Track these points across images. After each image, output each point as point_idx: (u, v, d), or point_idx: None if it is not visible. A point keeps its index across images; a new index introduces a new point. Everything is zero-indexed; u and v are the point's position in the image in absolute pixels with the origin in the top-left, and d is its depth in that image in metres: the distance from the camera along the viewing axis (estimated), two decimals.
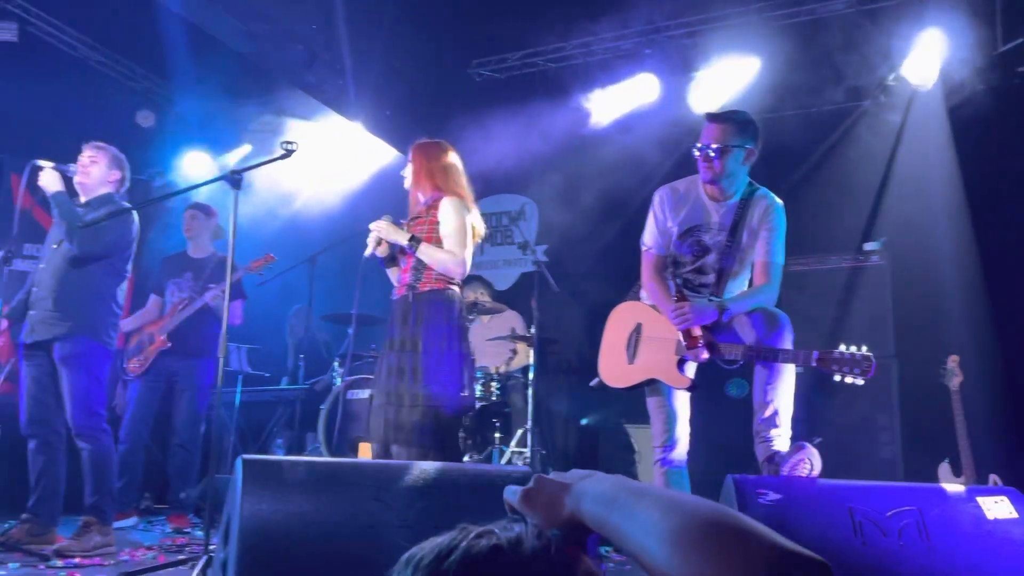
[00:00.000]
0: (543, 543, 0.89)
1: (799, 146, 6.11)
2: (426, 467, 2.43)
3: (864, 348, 3.05)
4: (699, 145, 3.27)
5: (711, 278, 3.34)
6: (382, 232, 3.55)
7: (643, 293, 3.53)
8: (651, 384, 3.35)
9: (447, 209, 3.57)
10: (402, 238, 3.51)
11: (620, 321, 3.52)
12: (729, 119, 3.29)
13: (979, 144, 5.39)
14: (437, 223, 3.56)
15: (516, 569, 0.86)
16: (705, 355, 3.17)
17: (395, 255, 3.70)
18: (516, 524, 0.95)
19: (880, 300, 5.30)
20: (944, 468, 4.71)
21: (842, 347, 3.05)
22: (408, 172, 3.74)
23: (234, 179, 3.16)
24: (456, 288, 3.60)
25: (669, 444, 3.32)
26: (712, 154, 3.21)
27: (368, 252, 3.63)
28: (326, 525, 2.18)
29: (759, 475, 2.78)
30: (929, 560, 2.40)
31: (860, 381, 3.04)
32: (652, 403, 3.38)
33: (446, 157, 3.73)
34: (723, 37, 6.15)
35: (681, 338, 3.19)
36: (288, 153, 3.22)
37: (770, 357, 3.08)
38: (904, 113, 5.68)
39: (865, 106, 5.97)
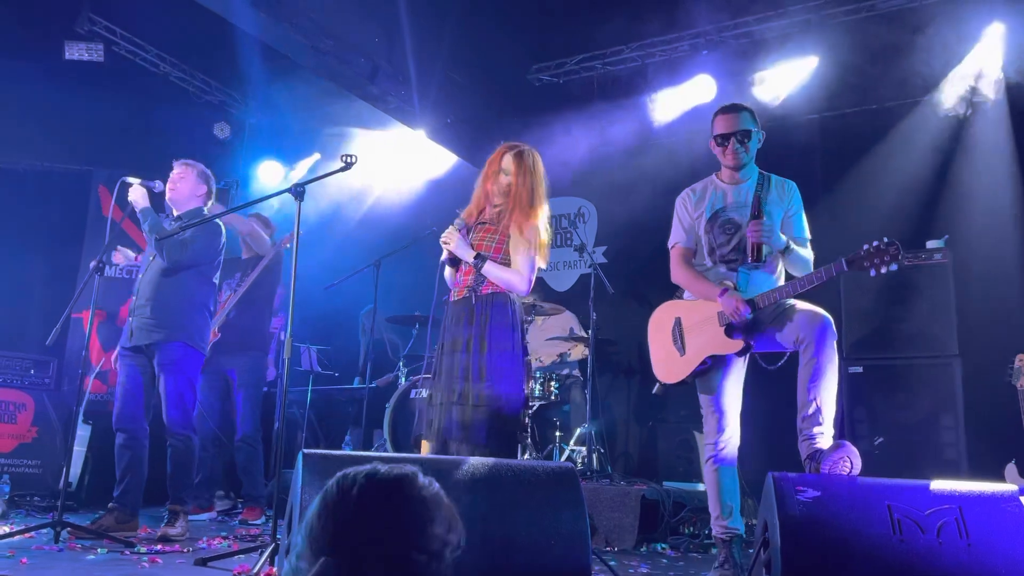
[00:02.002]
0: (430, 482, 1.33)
1: (858, 143, 6.05)
2: (475, 462, 2.58)
3: (885, 239, 3.08)
4: (722, 134, 3.42)
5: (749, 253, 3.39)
6: (451, 246, 3.52)
7: (687, 294, 3.61)
8: (702, 380, 3.42)
9: (528, 227, 3.48)
10: (468, 255, 3.49)
11: (659, 324, 3.61)
12: (743, 109, 3.50)
13: None
14: (508, 237, 3.50)
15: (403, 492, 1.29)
16: (747, 310, 3.21)
17: (456, 257, 3.65)
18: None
19: (943, 298, 5.22)
20: (1011, 469, 4.63)
21: (864, 245, 3.10)
22: (511, 185, 3.51)
23: (297, 191, 3.35)
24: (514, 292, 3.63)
25: (719, 441, 3.40)
26: (740, 139, 3.40)
27: (443, 258, 3.61)
28: None
29: (801, 473, 2.82)
30: (969, 558, 2.43)
31: (894, 267, 3.06)
32: (703, 400, 3.46)
33: (542, 171, 3.63)
34: (781, 36, 6.14)
35: (724, 308, 3.25)
36: (348, 166, 3.38)
37: (804, 285, 3.17)
38: (966, 108, 5.57)
39: (925, 102, 5.87)
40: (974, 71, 5.53)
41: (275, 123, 7.81)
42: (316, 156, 7.93)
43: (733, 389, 3.42)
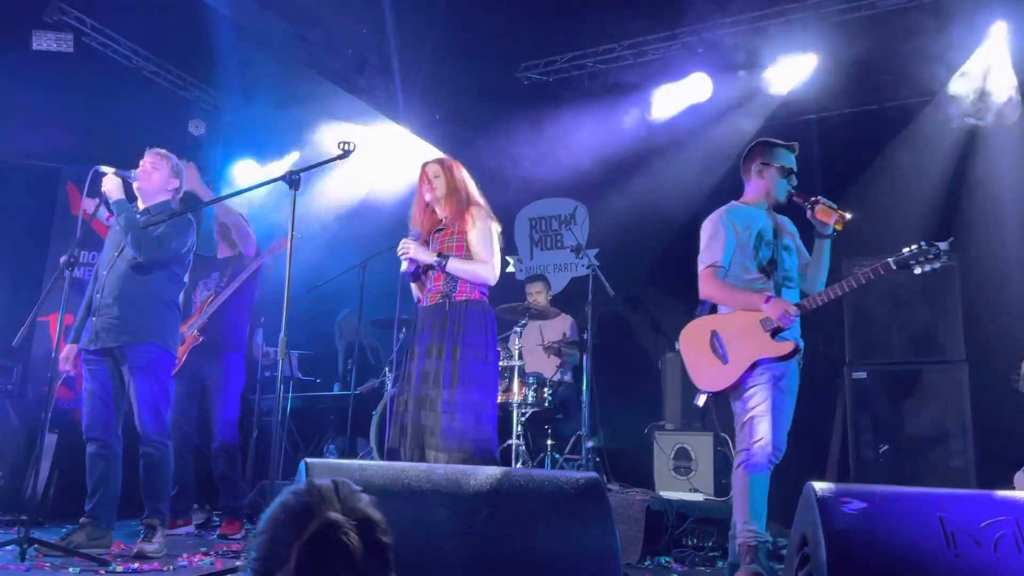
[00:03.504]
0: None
1: (860, 145, 5.93)
2: (493, 472, 2.35)
3: (923, 242, 3.38)
4: (790, 169, 3.66)
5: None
6: (410, 253, 3.63)
7: (723, 308, 3.62)
8: (735, 389, 3.44)
9: (477, 217, 3.68)
10: (430, 258, 3.61)
11: (693, 340, 3.62)
12: None
13: None
14: (465, 233, 3.66)
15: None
16: (796, 312, 3.36)
17: (418, 272, 3.77)
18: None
19: (949, 302, 5.10)
20: (1020, 477, 4.49)
21: (906, 249, 3.38)
22: (441, 185, 3.76)
23: (292, 179, 3.14)
24: (486, 298, 3.71)
25: (749, 448, 3.35)
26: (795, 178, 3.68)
27: (404, 268, 3.73)
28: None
29: (841, 483, 2.63)
30: None
31: (937, 265, 3.34)
32: (736, 407, 3.46)
33: (465, 171, 3.87)
34: (779, 34, 5.99)
35: (771, 315, 3.36)
36: (346, 153, 3.19)
37: (852, 285, 3.38)
38: (971, 109, 5.46)
39: (929, 101, 5.76)
40: (980, 70, 5.42)
41: (252, 121, 7.52)
42: (295, 155, 7.65)
43: (762, 393, 3.38)
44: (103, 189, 3.89)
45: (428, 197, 3.75)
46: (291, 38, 4.98)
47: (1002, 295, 5.29)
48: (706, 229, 3.64)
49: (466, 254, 3.63)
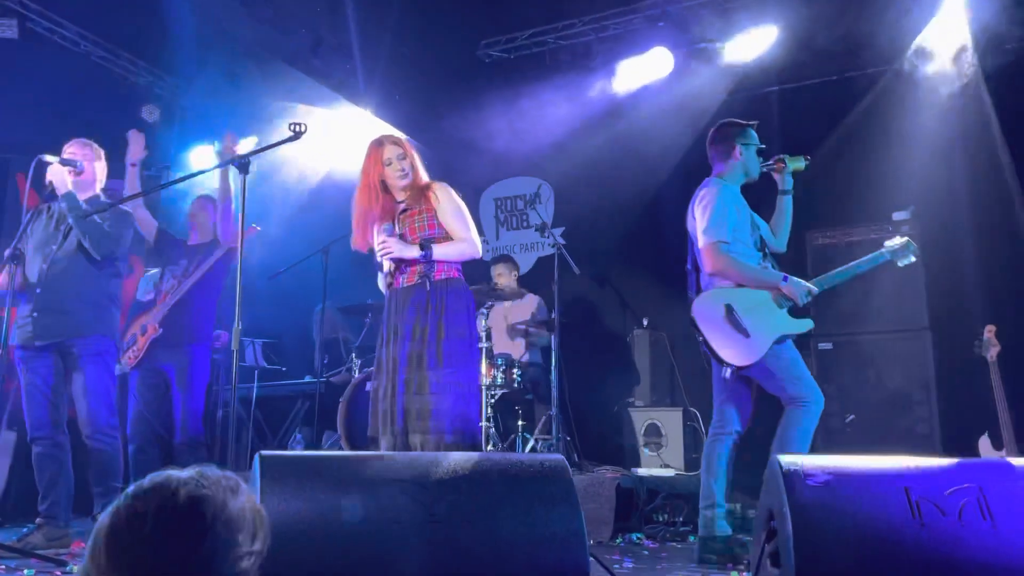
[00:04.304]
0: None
1: (821, 116, 5.93)
2: (456, 458, 2.30)
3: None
4: (765, 152, 3.87)
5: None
6: (394, 252, 3.41)
7: (720, 282, 3.66)
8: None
9: (445, 193, 3.54)
10: (414, 251, 3.41)
11: (708, 314, 3.62)
12: None
13: (1019, 102, 5.19)
14: (434, 211, 3.49)
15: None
16: (809, 293, 3.56)
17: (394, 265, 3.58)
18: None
19: (912, 271, 5.10)
20: (984, 442, 4.57)
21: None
22: (410, 165, 3.55)
23: (242, 163, 3.05)
24: (462, 275, 3.61)
25: (808, 399, 3.51)
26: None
27: (386, 269, 3.49)
28: (350, 523, 2.06)
29: (807, 456, 2.62)
30: (994, 541, 2.25)
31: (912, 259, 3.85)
32: (771, 374, 3.54)
33: (412, 147, 3.71)
34: (739, 7, 5.95)
35: (785, 292, 3.55)
36: (297, 135, 3.10)
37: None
38: (931, 76, 5.46)
39: (889, 71, 5.76)
40: (938, 37, 5.41)
41: (208, 105, 7.34)
42: (253, 139, 7.48)
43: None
44: (49, 179, 3.76)
45: (396, 179, 3.51)
46: (242, 18, 4.83)
47: (964, 262, 5.33)
48: (707, 204, 3.63)
49: (439, 232, 3.47)
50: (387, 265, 3.46)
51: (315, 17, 5.31)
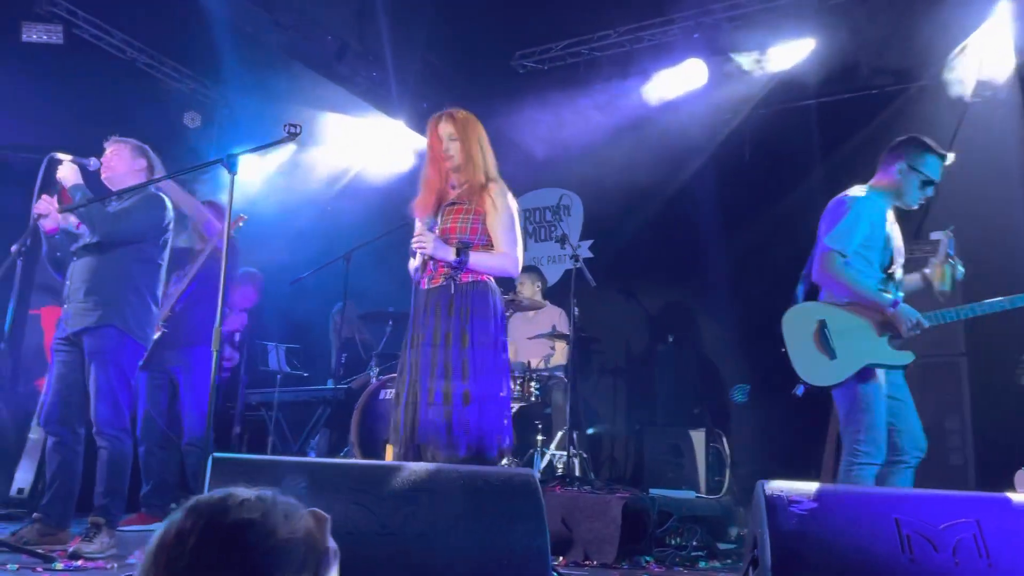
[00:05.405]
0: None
1: (858, 129, 5.74)
2: (416, 468, 2.24)
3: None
4: (934, 182, 3.59)
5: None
6: (428, 249, 3.14)
7: (825, 295, 3.54)
8: (841, 387, 3.37)
9: (502, 199, 3.20)
10: (449, 255, 3.14)
11: (797, 326, 3.48)
12: None
13: None
14: (483, 214, 3.20)
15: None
16: (918, 327, 3.35)
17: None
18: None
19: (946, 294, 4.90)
20: (1021, 475, 4.33)
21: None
22: (457, 151, 3.25)
23: (230, 162, 3.03)
24: (493, 279, 3.32)
25: (856, 448, 3.32)
26: None
27: (418, 263, 3.27)
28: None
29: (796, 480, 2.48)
30: None
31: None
32: (841, 403, 3.39)
33: (483, 132, 3.34)
34: (776, 19, 5.81)
35: (890, 319, 3.35)
36: (292, 136, 3.08)
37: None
38: (970, 90, 5.24)
39: (929, 86, 5.54)
40: (980, 53, 5.19)
41: (248, 112, 7.46)
42: (291, 147, 7.58)
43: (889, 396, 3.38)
44: (58, 176, 3.80)
45: (443, 160, 3.26)
46: (267, 24, 4.87)
47: (1003, 284, 5.07)
48: (840, 210, 3.46)
49: (481, 239, 3.20)
50: (417, 258, 3.25)
51: (341, 25, 5.34)
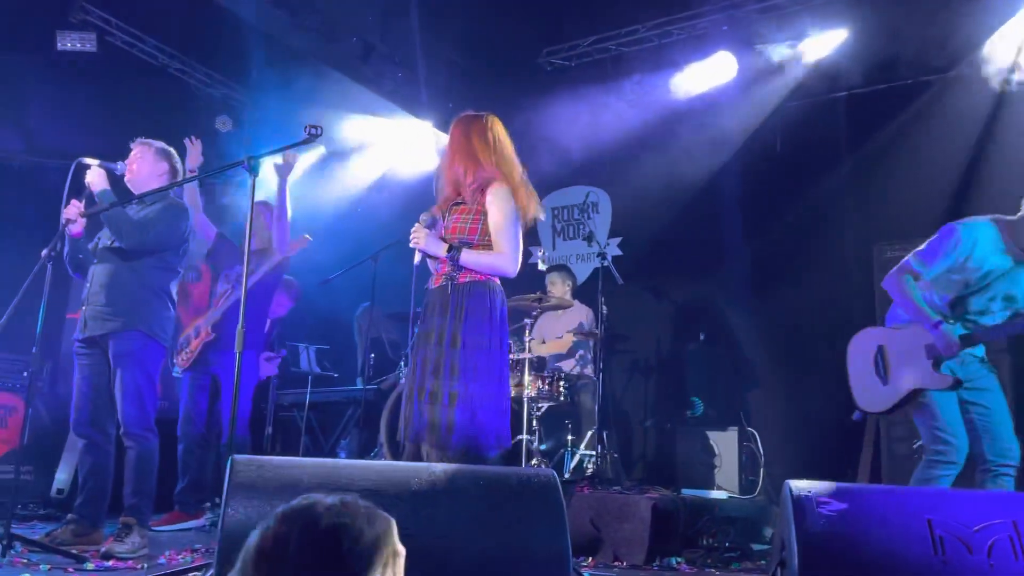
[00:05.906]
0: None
1: (889, 121, 5.62)
2: (436, 470, 2.22)
3: None
4: None
5: None
6: (420, 245, 3.22)
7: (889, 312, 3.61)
8: (898, 409, 3.45)
9: (497, 196, 3.21)
10: (440, 250, 3.20)
11: (860, 350, 3.58)
12: None
13: None
14: (484, 213, 3.22)
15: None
16: (959, 347, 3.29)
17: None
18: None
19: None
20: None
21: None
22: (449, 157, 3.34)
23: (251, 164, 3.05)
24: (498, 280, 3.31)
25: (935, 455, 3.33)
26: None
27: (418, 260, 3.34)
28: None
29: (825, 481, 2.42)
30: None
31: None
32: (916, 419, 3.45)
33: (490, 132, 3.34)
34: (804, 10, 5.71)
35: (938, 345, 3.30)
36: (312, 137, 3.08)
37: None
38: (1005, 81, 5.10)
39: (962, 76, 5.40)
40: (1015, 41, 5.04)
41: (278, 115, 7.51)
42: (320, 150, 7.62)
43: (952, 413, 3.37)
44: (86, 181, 3.85)
45: (457, 166, 3.29)
46: (289, 27, 4.89)
47: None
48: (945, 234, 3.38)
49: (482, 239, 3.23)
50: (416, 256, 3.31)
51: (366, 26, 5.35)
